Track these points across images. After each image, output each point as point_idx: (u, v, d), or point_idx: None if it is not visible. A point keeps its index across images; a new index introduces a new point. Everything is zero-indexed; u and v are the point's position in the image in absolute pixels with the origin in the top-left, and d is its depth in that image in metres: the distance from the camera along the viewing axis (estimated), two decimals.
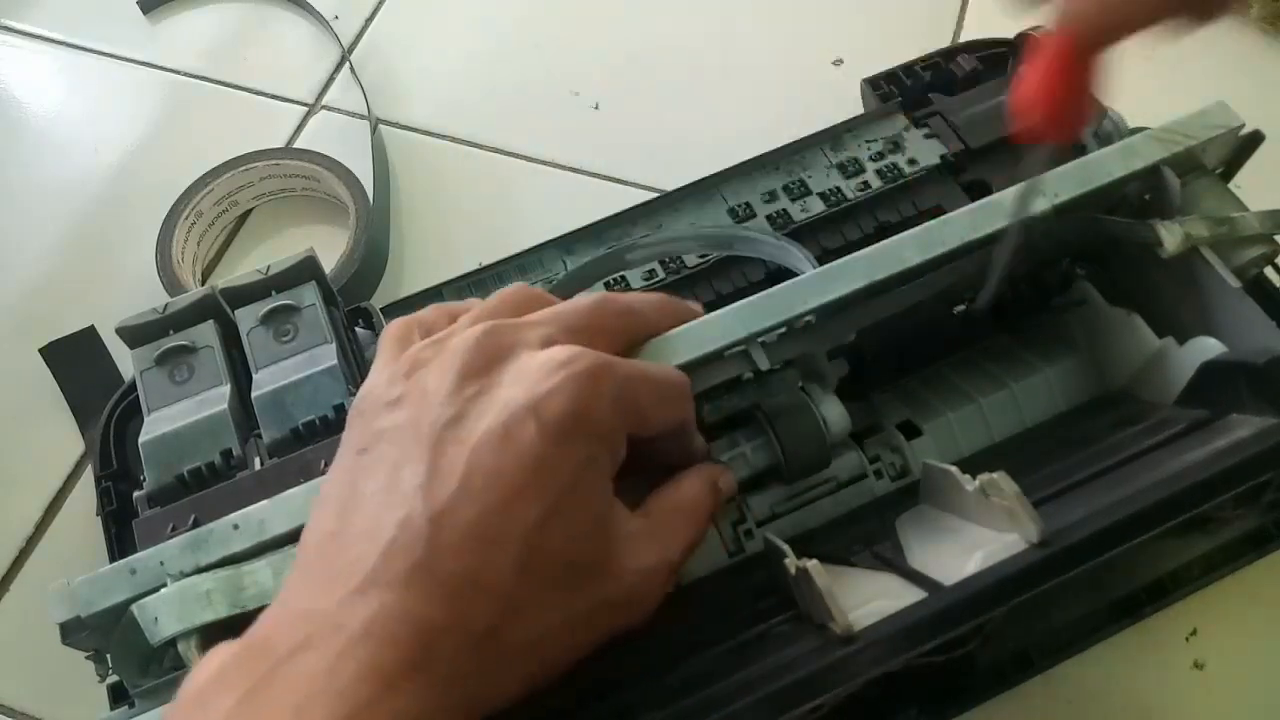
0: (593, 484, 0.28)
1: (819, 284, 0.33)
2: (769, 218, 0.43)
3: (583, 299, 0.31)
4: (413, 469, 0.26)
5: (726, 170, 0.44)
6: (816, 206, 0.43)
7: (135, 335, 0.39)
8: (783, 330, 0.33)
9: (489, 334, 0.28)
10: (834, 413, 0.34)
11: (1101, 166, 0.35)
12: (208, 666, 0.25)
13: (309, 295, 0.39)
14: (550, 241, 0.44)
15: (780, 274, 0.41)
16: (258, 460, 0.36)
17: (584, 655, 0.28)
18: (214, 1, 0.61)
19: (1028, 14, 0.29)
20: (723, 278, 0.42)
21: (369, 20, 0.60)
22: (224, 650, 0.25)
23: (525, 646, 0.26)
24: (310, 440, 0.36)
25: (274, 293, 0.39)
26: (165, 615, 0.29)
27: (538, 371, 0.27)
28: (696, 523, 0.31)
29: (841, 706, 0.29)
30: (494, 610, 0.25)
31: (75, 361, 0.47)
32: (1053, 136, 0.31)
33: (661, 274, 0.43)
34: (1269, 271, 0.37)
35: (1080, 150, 0.41)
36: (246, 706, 0.23)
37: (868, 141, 0.44)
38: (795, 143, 0.45)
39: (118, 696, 0.33)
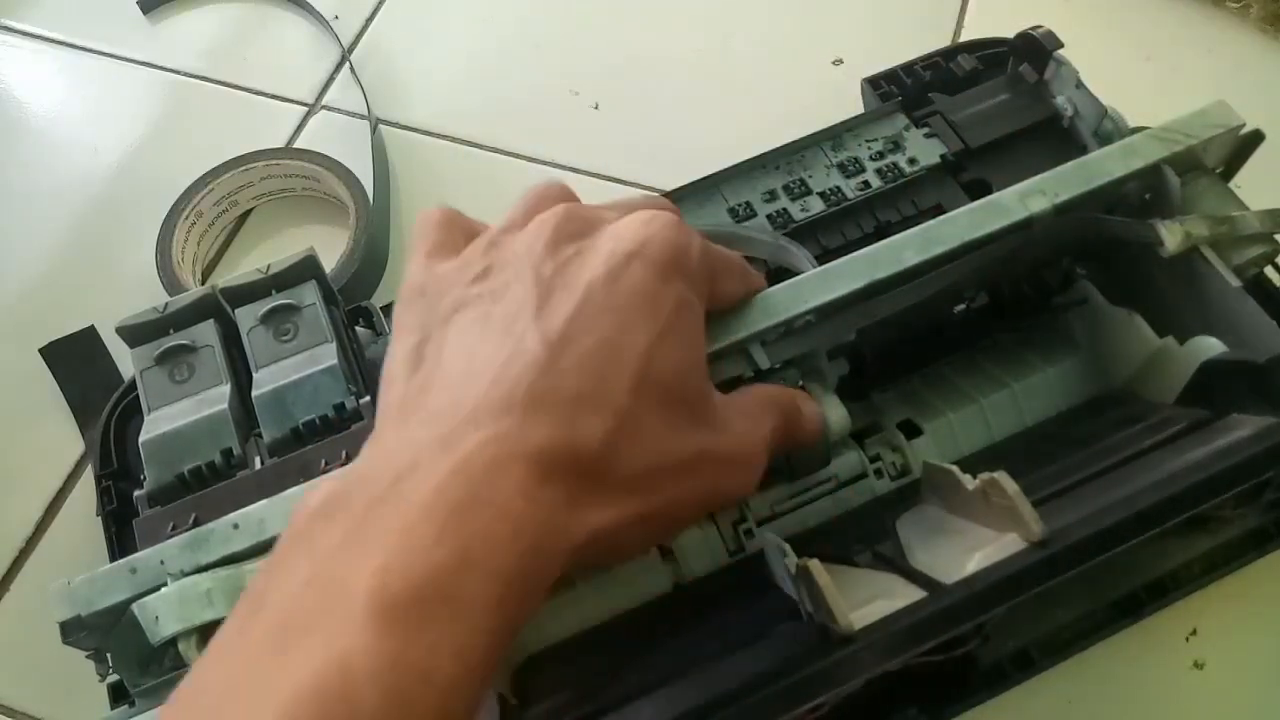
0: (692, 325, 0.29)
1: (819, 283, 0.33)
2: (769, 217, 0.43)
3: (621, 197, 0.32)
4: (519, 313, 0.26)
5: (726, 170, 0.44)
6: (816, 206, 0.43)
7: (135, 335, 0.39)
8: (783, 329, 0.33)
9: (571, 209, 0.29)
10: (834, 412, 0.34)
11: (1101, 166, 0.35)
12: (309, 503, 0.24)
13: (309, 294, 0.39)
14: None
15: (780, 273, 0.41)
16: (258, 459, 0.36)
17: (689, 515, 0.28)
18: (214, 1, 0.61)
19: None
20: None
21: (369, 20, 0.60)
22: (325, 485, 0.25)
23: (636, 477, 0.26)
24: (310, 439, 0.36)
25: (274, 292, 0.39)
26: (166, 614, 0.29)
27: (631, 227, 0.28)
28: (779, 410, 0.31)
29: (841, 706, 0.29)
30: (609, 426, 0.25)
31: (75, 361, 0.47)
32: None
33: None
34: (1269, 271, 0.37)
35: (1081, 150, 0.41)
36: (354, 536, 0.23)
37: (868, 141, 0.44)
38: (795, 142, 0.45)
39: (118, 696, 0.33)
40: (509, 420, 0.24)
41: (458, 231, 0.31)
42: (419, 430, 0.25)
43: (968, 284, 0.37)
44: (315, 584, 0.22)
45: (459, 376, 0.26)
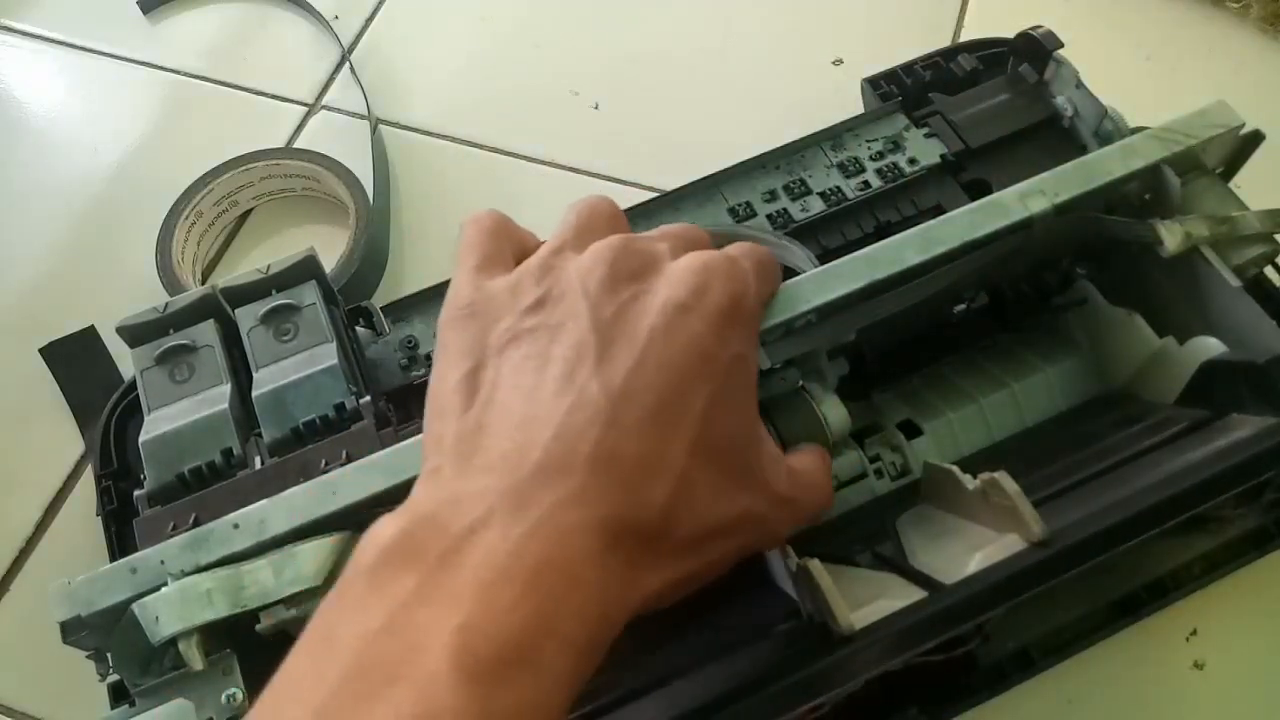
0: (745, 382, 0.28)
1: (819, 283, 0.33)
2: (769, 217, 0.43)
3: (667, 226, 0.32)
4: (580, 360, 0.26)
5: (726, 170, 0.44)
6: (816, 206, 0.43)
7: (135, 334, 0.39)
8: (783, 329, 0.33)
9: (628, 243, 0.29)
10: (834, 412, 0.34)
11: (1101, 166, 0.35)
12: (377, 540, 0.24)
13: (309, 294, 0.39)
14: None
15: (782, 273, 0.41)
16: (258, 459, 0.36)
17: (726, 567, 0.28)
18: (214, 1, 0.61)
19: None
20: None
21: (369, 20, 0.60)
22: (389, 525, 0.24)
23: (690, 540, 0.26)
24: (310, 439, 0.36)
25: (274, 292, 0.39)
26: (166, 614, 0.29)
27: (686, 274, 0.28)
28: (823, 476, 0.31)
29: (842, 706, 0.29)
30: (669, 491, 0.25)
31: (75, 361, 0.47)
32: None
33: None
34: (1269, 271, 0.37)
35: (1081, 150, 0.41)
36: (430, 587, 0.23)
37: (868, 141, 0.44)
38: (795, 142, 0.45)
39: (118, 696, 0.33)
40: (575, 480, 0.25)
41: (506, 243, 0.31)
42: (483, 477, 0.25)
43: (968, 284, 0.37)
44: (393, 633, 0.22)
45: (519, 420, 0.26)
